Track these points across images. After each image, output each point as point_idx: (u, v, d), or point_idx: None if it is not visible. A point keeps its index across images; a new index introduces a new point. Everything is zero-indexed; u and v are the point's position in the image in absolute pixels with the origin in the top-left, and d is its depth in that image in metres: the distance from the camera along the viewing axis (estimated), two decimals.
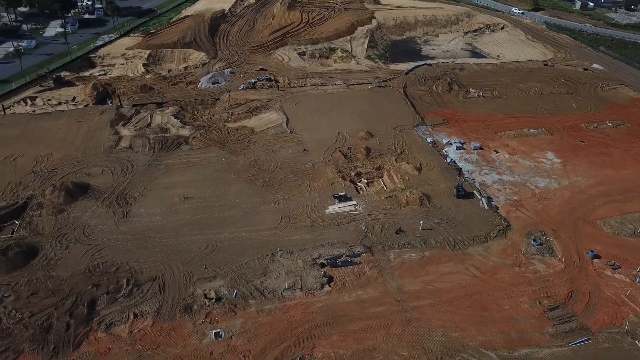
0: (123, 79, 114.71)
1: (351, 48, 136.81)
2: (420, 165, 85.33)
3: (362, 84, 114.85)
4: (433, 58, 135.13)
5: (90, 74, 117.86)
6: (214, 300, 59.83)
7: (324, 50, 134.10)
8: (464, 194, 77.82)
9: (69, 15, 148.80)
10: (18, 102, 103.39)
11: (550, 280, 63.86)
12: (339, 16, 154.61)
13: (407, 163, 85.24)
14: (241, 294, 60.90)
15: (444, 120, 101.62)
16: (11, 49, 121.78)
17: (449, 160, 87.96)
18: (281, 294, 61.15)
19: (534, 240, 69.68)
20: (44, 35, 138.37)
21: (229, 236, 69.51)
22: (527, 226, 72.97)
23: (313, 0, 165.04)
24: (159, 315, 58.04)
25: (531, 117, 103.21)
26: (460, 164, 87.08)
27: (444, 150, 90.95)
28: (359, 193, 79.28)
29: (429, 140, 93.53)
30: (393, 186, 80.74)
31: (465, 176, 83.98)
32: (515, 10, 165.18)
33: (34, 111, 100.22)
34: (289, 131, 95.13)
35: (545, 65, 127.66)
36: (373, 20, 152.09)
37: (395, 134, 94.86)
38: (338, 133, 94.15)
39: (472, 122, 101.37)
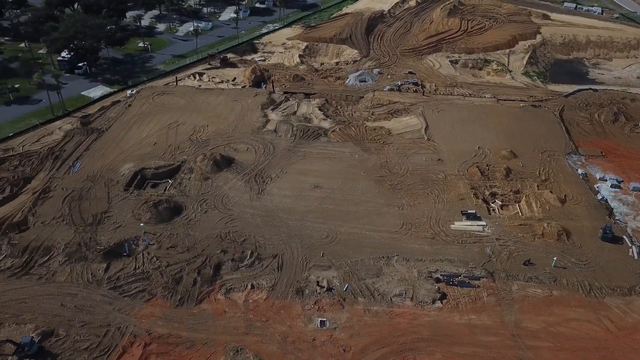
0: (279, 67, 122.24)
1: (508, 62, 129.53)
2: (565, 196, 78.57)
3: (513, 100, 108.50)
4: (601, 83, 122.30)
5: (252, 58, 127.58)
6: (325, 289, 61.64)
7: (478, 61, 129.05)
8: (610, 238, 70.11)
9: (243, 2, 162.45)
10: (188, 76, 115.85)
11: None
12: (500, 27, 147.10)
13: (551, 192, 78.90)
14: (352, 289, 61.86)
15: (601, 152, 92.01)
16: (191, 29, 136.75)
17: (599, 197, 79.95)
18: (390, 299, 60.83)
19: None
20: (219, 19, 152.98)
21: (349, 230, 70.83)
22: None
23: (476, 8, 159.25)
24: (273, 291, 61.46)
25: None
26: (612, 204, 78.74)
27: (595, 186, 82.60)
28: (490, 214, 75.31)
29: (579, 171, 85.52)
30: (530, 214, 75.50)
31: (617, 218, 75.61)
32: None
33: (200, 86, 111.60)
34: (426, 138, 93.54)
35: None
36: (538, 36, 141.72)
37: (542, 158, 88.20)
38: (478, 148, 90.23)
39: (636, 159, 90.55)
